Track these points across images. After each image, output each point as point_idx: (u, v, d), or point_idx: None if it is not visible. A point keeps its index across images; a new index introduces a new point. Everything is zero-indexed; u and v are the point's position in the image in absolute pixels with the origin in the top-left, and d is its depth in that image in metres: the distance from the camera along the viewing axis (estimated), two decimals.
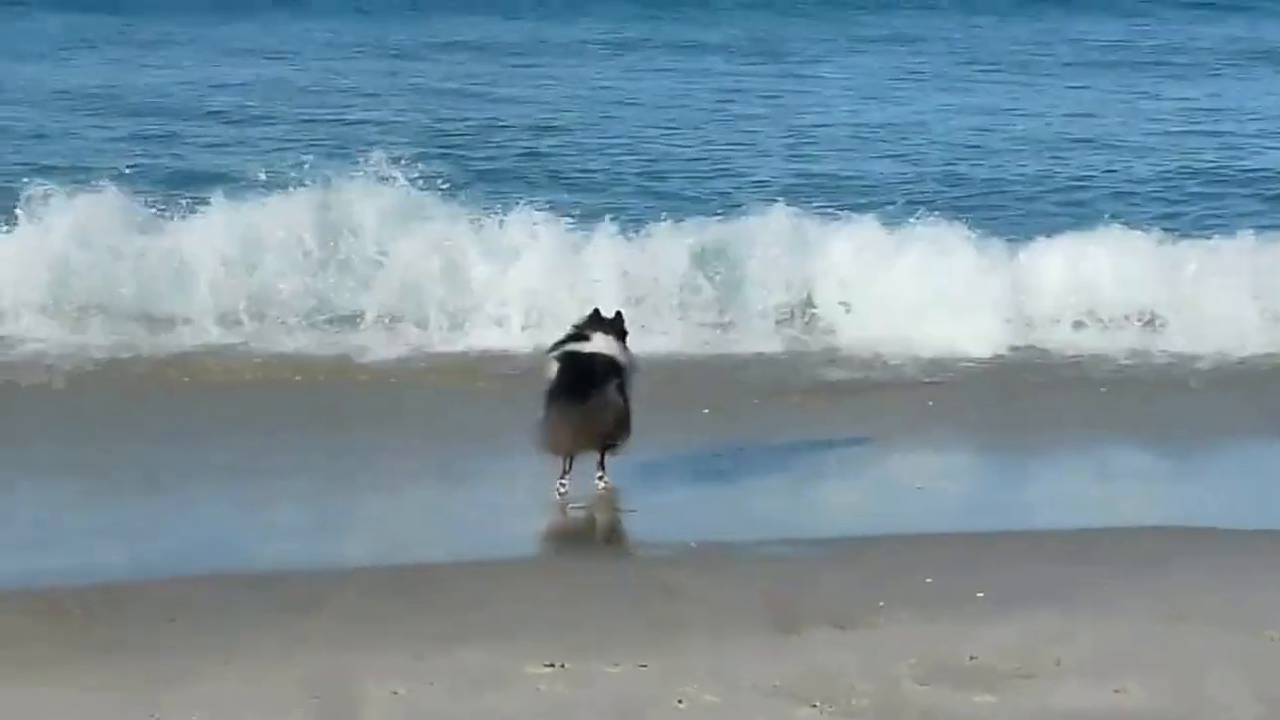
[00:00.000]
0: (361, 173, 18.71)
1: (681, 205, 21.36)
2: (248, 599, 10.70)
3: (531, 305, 17.77)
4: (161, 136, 26.52)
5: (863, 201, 21.60)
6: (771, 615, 10.26)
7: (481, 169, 24.07)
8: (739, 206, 20.43)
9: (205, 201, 18.66)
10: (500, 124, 27.71)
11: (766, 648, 9.78)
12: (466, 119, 28.06)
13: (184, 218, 18.43)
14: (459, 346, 17.29)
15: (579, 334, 12.58)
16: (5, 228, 17.98)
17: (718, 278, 18.46)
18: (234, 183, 19.69)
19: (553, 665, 9.42)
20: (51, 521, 12.43)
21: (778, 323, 18.17)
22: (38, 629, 10.13)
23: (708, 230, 19.03)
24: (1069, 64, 36.63)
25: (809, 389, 16.48)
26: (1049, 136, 28.28)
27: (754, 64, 35.62)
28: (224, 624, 10.23)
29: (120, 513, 12.78)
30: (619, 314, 12.82)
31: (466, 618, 10.32)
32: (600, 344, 12.46)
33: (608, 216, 19.11)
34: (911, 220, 19.29)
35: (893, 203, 21.00)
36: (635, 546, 11.87)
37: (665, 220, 18.93)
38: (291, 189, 18.73)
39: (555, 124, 27.69)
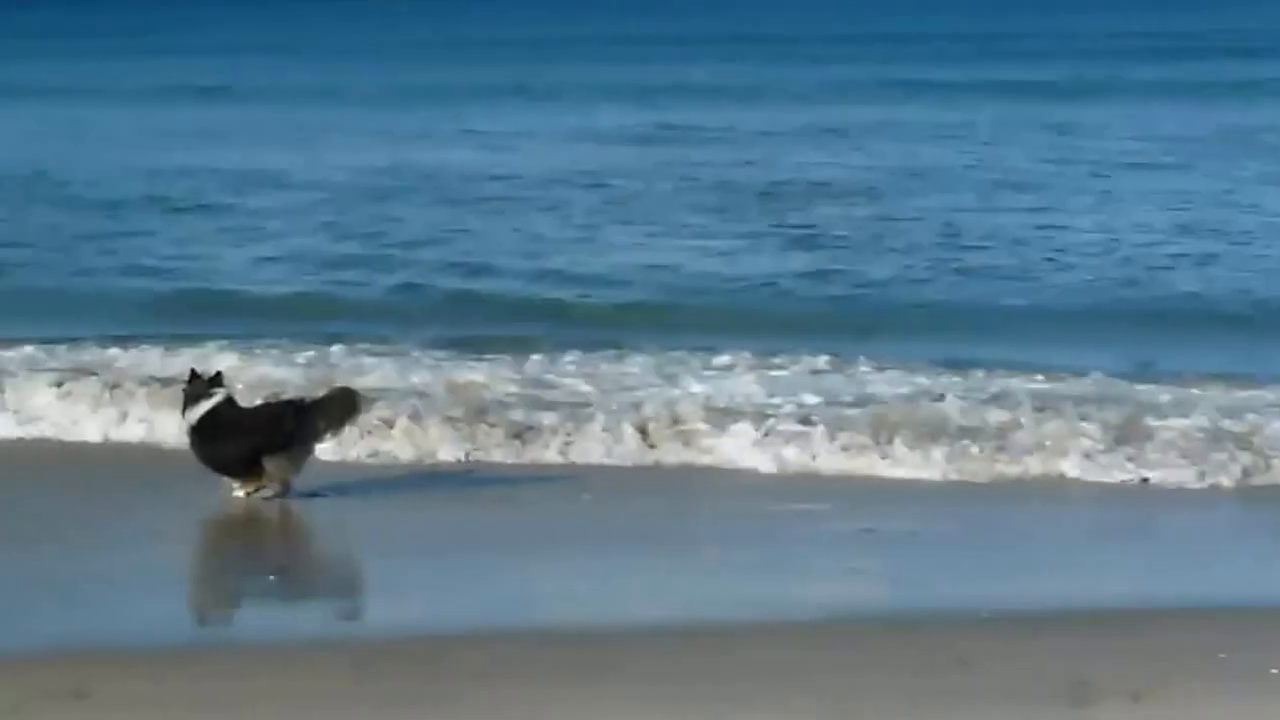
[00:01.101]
0: None
1: None
2: (552, 658, 10.64)
3: None
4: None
5: None
6: (1063, 687, 9.91)
7: None
8: None
9: None
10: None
11: (1060, 719, 9.50)
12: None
13: None
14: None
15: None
16: None
17: None
18: None
19: None
20: (361, 577, 12.55)
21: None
22: (345, 683, 10.16)
23: None
24: None
25: None
26: None
27: None
28: (530, 682, 10.15)
29: (428, 570, 12.83)
30: (219, 373, 14.57)
31: (757, 682, 10.13)
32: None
33: None
34: None
35: None
36: (926, 615, 11.62)
37: None
38: None
39: None
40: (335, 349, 19.25)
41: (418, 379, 17.70)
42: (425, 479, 15.17)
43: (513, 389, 17.32)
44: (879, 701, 9.72)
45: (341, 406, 14.43)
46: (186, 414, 14.22)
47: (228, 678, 10.27)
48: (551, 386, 17.51)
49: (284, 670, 10.39)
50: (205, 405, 14.16)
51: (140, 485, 14.63)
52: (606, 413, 16.37)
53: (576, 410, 16.50)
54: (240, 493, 14.18)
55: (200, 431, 14.14)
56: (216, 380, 14.40)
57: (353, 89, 64.67)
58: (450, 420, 16.23)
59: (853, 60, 77.91)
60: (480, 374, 17.87)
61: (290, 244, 27.58)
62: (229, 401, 14.33)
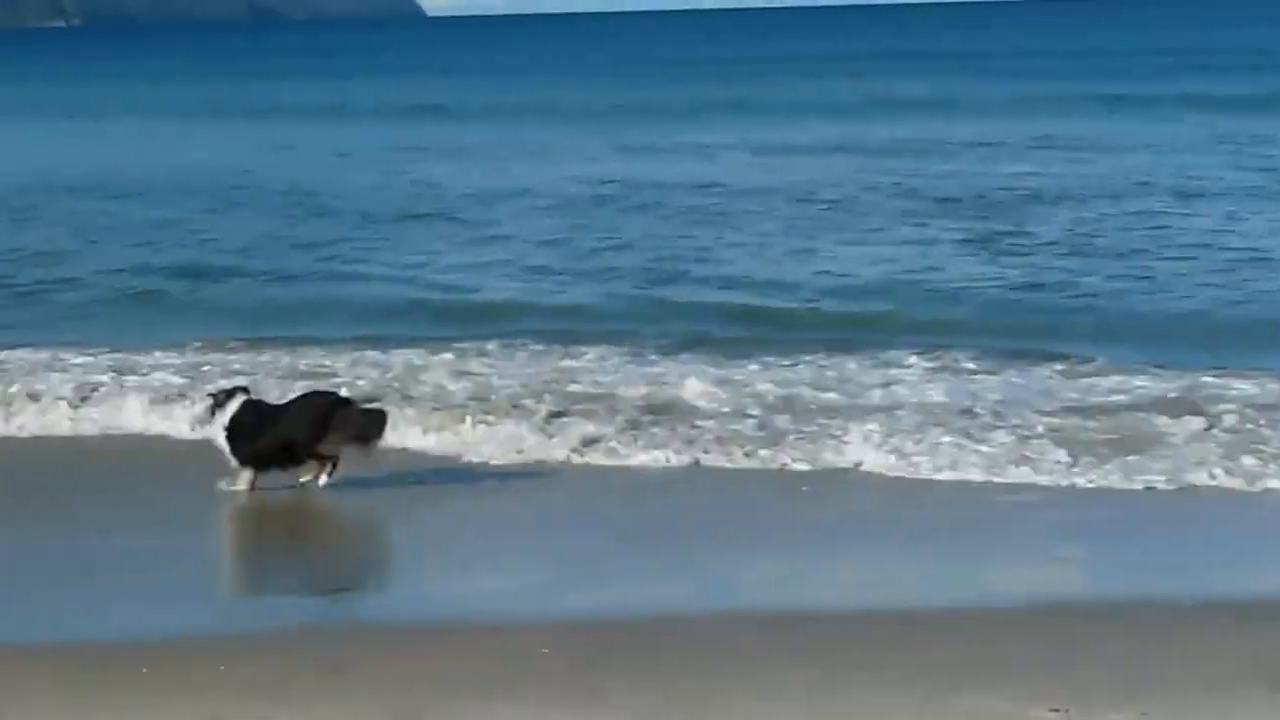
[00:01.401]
0: None
1: None
2: (788, 637, 10.74)
3: None
4: None
5: None
6: (1265, 672, 9.82)
7: None
8: None
9: None
10: None
11: (1263, 704, 9.38)
12: None
13: None
14: None
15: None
16: None
17: None
18: None
19: (1058, 710, 9.17)
20: (589, 562, 12.73)
21: None
22: (565, 659, 10.34)
23: None
24: None
25: None
26: None
27: None
28: (748, 661, 10.25)
29: (648, 555, 12.97)
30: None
31: (973, 663, 10.14)
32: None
33: None
34: None
35: None
36: (1130, 601, 11.53)
37: None
38: None
39: None
40: (569, 350, 19.45)
41: (647, 384, 17.77)
42: (657, 478, 15.18)
43: (741, 393, 17.35)
44: (1084, 685, 9.66)
45: (365, 426, 14.48)
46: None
47: (466, 656, 10.45)
48: (779, 391, 17.48)
49: (522, 649, 10.55)
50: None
51: (388, 478, 14.93)
52: (836, 416, 16.39)
53: (810, 414, 16.50)
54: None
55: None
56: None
57: (576, 105, 65.13)
58: (679, 423, 16.27)
59: (1054, 75, 77.09)
60: (709, 380, 17.88)
61: (522, 252, 27.76)
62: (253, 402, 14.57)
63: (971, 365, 18.50)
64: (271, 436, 14.27)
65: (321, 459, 14.39)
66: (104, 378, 18.24)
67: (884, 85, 73.36)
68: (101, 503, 14.33)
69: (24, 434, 17.00)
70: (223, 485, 14.30)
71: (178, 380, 18.09)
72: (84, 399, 17.41)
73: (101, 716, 9.34)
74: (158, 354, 19.55)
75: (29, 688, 9.89)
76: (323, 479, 14.41)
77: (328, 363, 19.09)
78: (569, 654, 10.40)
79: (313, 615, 11.46)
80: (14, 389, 17.94)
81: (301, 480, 14.41)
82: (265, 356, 19.46)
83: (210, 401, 14.59)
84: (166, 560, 13.12)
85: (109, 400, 17.43)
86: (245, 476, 14.30)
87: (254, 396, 14.71)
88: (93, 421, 17.07)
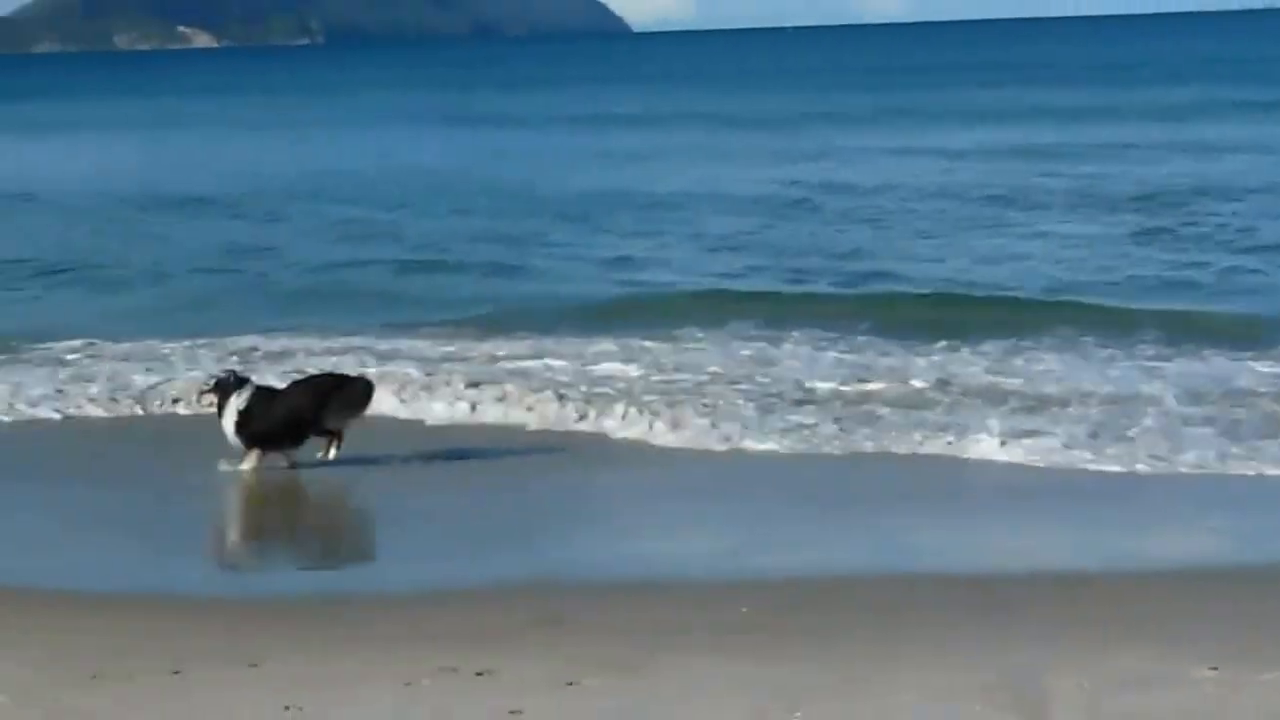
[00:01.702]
0: None
1: None
2: (960, 598, 10.73)
3: None
4: None
5: None
6: None
7: None
8: None
9: None
10: None
11: None
12: None
13: None
14: None
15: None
16: None
17: None
18: None
19: (1215, 669, 9.08)
20: (781, 530, 12.78)
21: None
22: (765, 615, 10.35)
23: None
24: None
25: None
26: None
27: None
28: (937, 618, 10.27)
29: (834, 524, 13.02)
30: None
31: (1133, 623, 10.07)
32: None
33: None
34: None
35: None
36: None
37: None
38: None
39: None
40: (770, 338, 19.40)
41: (841, 371, 17.69)
42: (845, 460, 15.05)
43: (922, 380, 17.28)
44: (1238, 646, 9.54)
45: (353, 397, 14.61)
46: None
47: (677, 611, 10.53)
48: (958, 378, 17.35)
49: (725, 605, 10.61)
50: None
51: (604, 461, 15.17)
52: (1007, 401, 16.29)
53: (983, 399, 16.41)
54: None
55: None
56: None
57: (768, 112, 65.01)
58: (867, 410, 16.20)
59: (1201, 81, 75.73)
60: (895, 367, 17.81)
61: (716, 248, 27.76)
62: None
63: (1134, 352, 18.29)
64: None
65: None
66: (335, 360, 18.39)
67: (1046, 93, 72.51)
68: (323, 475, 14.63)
69: None
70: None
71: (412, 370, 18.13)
72: None
73: (348, 665, 9.50)
74: (403, 343, 19.67)
75: (284, 636, 10.15)
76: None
77: (533, 350, 19.10)
78: (768, 610, 10.46)
79: (535, 571, 11.59)
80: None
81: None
82: (485, 344, 19.53)
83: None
84: (404, 520, 13.39)
85: None
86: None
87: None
88: None
